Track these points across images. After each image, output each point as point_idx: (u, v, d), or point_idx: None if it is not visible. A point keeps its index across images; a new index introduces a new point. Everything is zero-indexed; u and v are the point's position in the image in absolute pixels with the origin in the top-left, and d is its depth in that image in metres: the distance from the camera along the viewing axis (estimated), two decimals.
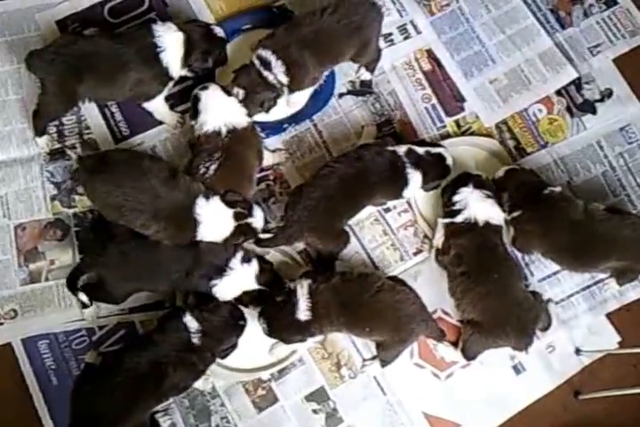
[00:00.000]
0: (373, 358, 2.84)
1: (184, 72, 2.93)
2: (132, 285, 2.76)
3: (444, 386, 2.90)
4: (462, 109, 3.10)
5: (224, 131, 2.78)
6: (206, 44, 2.91)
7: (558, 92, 3.13)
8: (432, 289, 2.89)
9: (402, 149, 2.80)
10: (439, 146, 2.84)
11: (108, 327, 2.91)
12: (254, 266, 2.75)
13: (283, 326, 2.67)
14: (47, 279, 2.92)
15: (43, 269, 2.92)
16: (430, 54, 3.15)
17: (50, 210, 2.96)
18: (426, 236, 2.96)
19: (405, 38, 3.15)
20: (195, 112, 2.81)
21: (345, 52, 2.88)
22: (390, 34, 3.15)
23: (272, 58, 2.78)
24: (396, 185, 2.79)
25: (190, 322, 2.65)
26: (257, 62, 2.79)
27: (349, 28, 2.83)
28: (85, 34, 3.02)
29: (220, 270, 2.72)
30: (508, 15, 3.18)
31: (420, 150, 2.80)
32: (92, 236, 2.88)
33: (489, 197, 2.73)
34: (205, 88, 2.81)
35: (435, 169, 2.82)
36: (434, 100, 3.10)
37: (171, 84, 2.91)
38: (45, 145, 2.98)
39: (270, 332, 2.68)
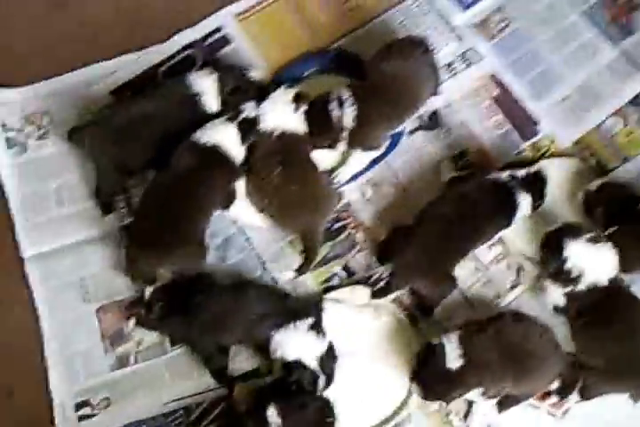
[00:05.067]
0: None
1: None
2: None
3: (561, 425, 2.71)
4: (537, 132, 2.98)
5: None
6: (237, 82, 2.86)
7: (631, 103, 2.99)
8: None
9: (503, 176, 2.68)
10: (531, 164, 2.75)
11: (204, 405, 2.75)
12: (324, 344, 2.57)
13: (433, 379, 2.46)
14: (136, 361, 2.77)
15: (130, 352, 2.77)
16: (496, 79, 3.03)
17: (130, 288, 2.79)
18: (520, 268, 2.80)
19: (468, 66, 3.05)
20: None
21: (422, 95, 2.81)
22: (452, 63, 3.05)
23: (349, 97, 2.68)
24: (507, 214, 2.68)
25: (272, 417, 2.48)
26: (333, 95, 2.70)
27: (420, 68, 2.79)
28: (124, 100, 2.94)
29: (281, 322, 2.58)
30: (567, 30, 3.08)
31: (520, 173, 2.69)
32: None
33: (596, 240, 2.54)
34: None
35: (539, 187, 2.72)
36: (507, 126, 2.98)
37: None
38: (115, 222, 2.83)
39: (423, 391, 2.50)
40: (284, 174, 2.68)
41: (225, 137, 2.69)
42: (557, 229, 2.59)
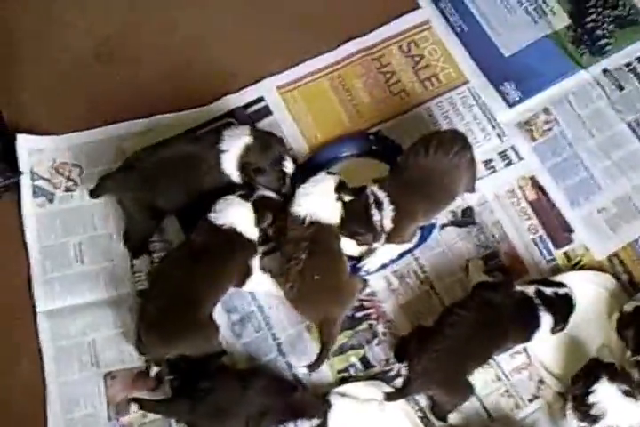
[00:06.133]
0: None
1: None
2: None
3: None
4: (571, 241, 2.92)
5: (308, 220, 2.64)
6: (261, 162, 2.77)
7: None
8: None
9: (530, 290, 2.62)
10: (563, 285, 2.67)
11: None
12: None
13: None
14: None
15: (134, 423, 2.68)
16: (534, 182, 2.98)
17: (141, 357, 2.72)
18: (541, 380, 2.75)
19: (507, 165, 3.01)
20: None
21: (458, 190, 2.75)
22: (491, 160, 3.02)
23: (386, 199, 2.63)
24: (529, 329, 2.61)
25: None
26: (371, 198, 2.61)
27: (459, 163, 2.72)
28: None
29: (285, 419, 2.55)
30: (612, 140, 3.04)
31: (549, 291, 2.62)
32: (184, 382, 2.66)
33: (628, 393, 2.50)
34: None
35: (564, 311, 2.65)
36: (541, 231, 2.93)
37: None
38: (145, 267, 2.79)
39: None
40: (309, 262, 2.63)
41: (240, 218, 2.67)
42: (602, 364, 2.57)
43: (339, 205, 2.70)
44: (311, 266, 2.63)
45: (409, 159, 2.70)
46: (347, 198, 2.69)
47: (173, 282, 2.57)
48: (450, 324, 2.57)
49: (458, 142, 2.73)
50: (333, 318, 2.67)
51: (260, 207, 2.68)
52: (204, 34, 3.16)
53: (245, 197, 2.69)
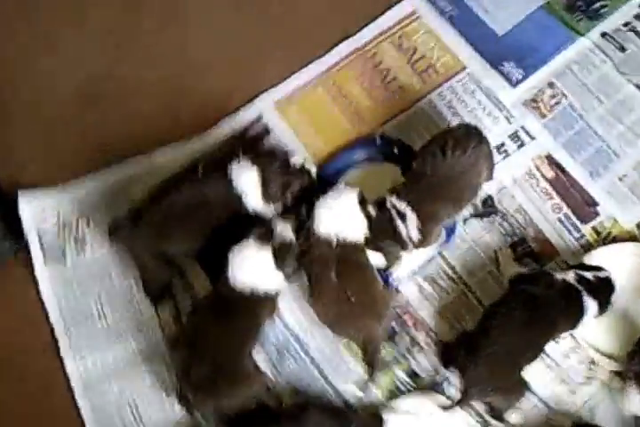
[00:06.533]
0: None
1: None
2: None
3: None
4: (597, 214, 2.85)
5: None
6: (283, 177, 2.64)
7: None
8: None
9: (571, 276, 2.54)
10: (601, 269, 2.58)
11: None
12: None
13: None
14: None
15: None
16: (550, 160, 2.90)
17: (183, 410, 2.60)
18: (592, 361, 2.67)
19: (520, 146, 2.92)
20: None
21: (480, 185, 2.66)
22: (503, 144, 2.92)
23: (407, 210, 2.53)
24: (575, 316, 2.54)
25: None
26: (393, 211, 2.51)
27: (477, 159, 2.63)
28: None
29: None
30: (622, 104, 2.94)
31: (589, 275, 2.54)
32: None
33: None
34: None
35: (606, 295, 2.57)
36: (565, 209, 2.85)
37: None
38: (169, 316, 2.73)
39: None
40: (340, 282, 2.55)
41: (261, 277, 2.56)
42: None
43: (364, 219, 2.57)
44: (344, 286, 2.54)
45: (425, 163, 2.60)
46: (373, 212, 2.57)
47: (211, 339, 2.49)
48: (496, 326, 2.49)
49: (473, 138, 2.62)
50: (374, 333, 2.61)
51: (281, 254, 2.55)
52: (189, 61, 3.10)
53: (264, 237, 2.55)
